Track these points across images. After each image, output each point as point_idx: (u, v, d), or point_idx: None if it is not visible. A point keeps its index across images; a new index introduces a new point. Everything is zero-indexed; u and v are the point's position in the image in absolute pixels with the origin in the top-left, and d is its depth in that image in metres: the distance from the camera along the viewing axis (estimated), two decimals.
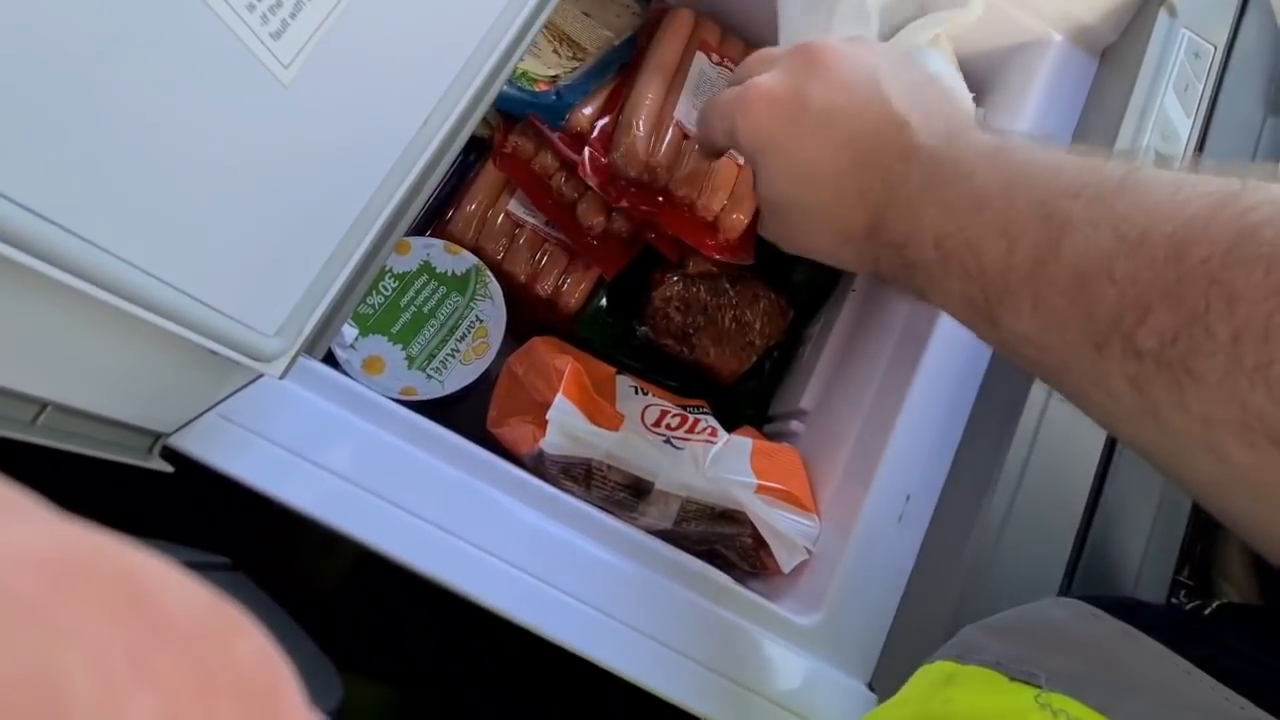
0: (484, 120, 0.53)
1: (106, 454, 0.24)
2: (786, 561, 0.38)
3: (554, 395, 0.35)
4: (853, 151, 0.28)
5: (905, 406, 0.39)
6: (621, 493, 0.40)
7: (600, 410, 0.37)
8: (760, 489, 0.38)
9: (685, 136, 0.48)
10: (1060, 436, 0.33)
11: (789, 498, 0.39)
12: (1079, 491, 0.33)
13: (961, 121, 0.27)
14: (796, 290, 0.55)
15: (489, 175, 0.52)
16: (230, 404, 0.28)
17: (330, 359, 0.40)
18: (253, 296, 0.24)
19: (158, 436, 0.26)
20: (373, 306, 0.42)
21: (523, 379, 0.40)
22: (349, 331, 0.41)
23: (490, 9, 0.32)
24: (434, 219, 0.52)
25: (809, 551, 0.38)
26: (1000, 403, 0.37)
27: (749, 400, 0.55)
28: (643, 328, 0.52)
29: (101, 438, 0.24)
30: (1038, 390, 0.34)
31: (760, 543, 0.40)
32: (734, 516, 0.39)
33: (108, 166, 0.19)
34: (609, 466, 0.38)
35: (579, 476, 0.39)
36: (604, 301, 0.52)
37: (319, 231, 0.25)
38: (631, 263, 0.52)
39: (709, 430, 0.40)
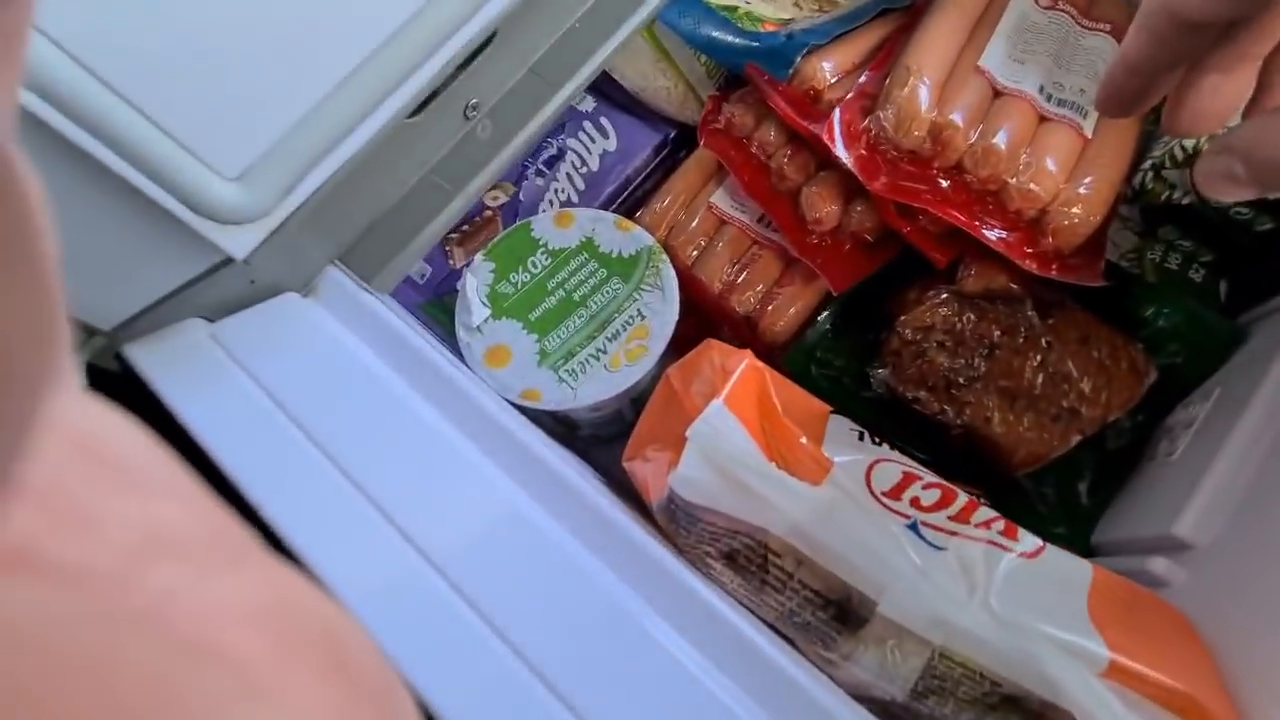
0: (695, 97, 0.44)
1: None
2: None
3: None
4: None
5: None
6: (814, 611, 0.23)
7: (791, 445, 0.21)
8: (1115, 671, 0.18)
9: (996, 94, 0.32)
10: None
11: (1184, 707, 0.18)
12: None
13: None
14: (1158, 339, 0.33)
15: (692, 164, 0.42)
16: (230, 324, 0.19)
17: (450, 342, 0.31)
18: (204, 121, 0.15)
19: (93, 333, 0.18)
20: (515, 285, 0.33)
21: (682, 395, 0.26)
22: (479, 310, 0.32)
23: None
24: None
25: None
26: None
27: (1059, 510, 0.33)
28: (881, 370, 0.35)
29: None
30: None
31: None
32: (1036, 711, 0.19)
33: None
34: (797, 560, 0.22)
35: (740, 560, 0.23)
36: (829, 327, 0.37)
37: (304, 70, 0.16)
38: (882, 279, 0.36)
39: (1000, 526, 0.21)
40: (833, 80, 0.35)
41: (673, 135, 0.44)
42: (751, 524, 0.21)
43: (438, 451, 0.21)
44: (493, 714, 0.19)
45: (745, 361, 0.22)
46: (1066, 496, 0.34)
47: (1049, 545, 0.21)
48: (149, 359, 0.18)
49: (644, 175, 0.44)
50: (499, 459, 0.22)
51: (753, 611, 0.24)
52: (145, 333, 0.18)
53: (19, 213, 0.07)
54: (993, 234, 0.31)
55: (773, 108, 0.36)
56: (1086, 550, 0.33)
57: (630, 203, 0.44)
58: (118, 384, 0.18)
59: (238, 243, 0.16)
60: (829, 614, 0.23)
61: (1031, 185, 0.30)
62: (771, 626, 0.23)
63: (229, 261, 0.17)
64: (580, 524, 0.22)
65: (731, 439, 0.20)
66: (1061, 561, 0.20)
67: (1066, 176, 0.30)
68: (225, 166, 0.15)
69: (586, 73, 0.26)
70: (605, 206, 0.43)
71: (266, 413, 0.18)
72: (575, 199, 0.43)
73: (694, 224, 0.40)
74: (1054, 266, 0.30)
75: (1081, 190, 0.30)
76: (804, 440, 0.21)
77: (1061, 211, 0.30)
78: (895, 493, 0.21)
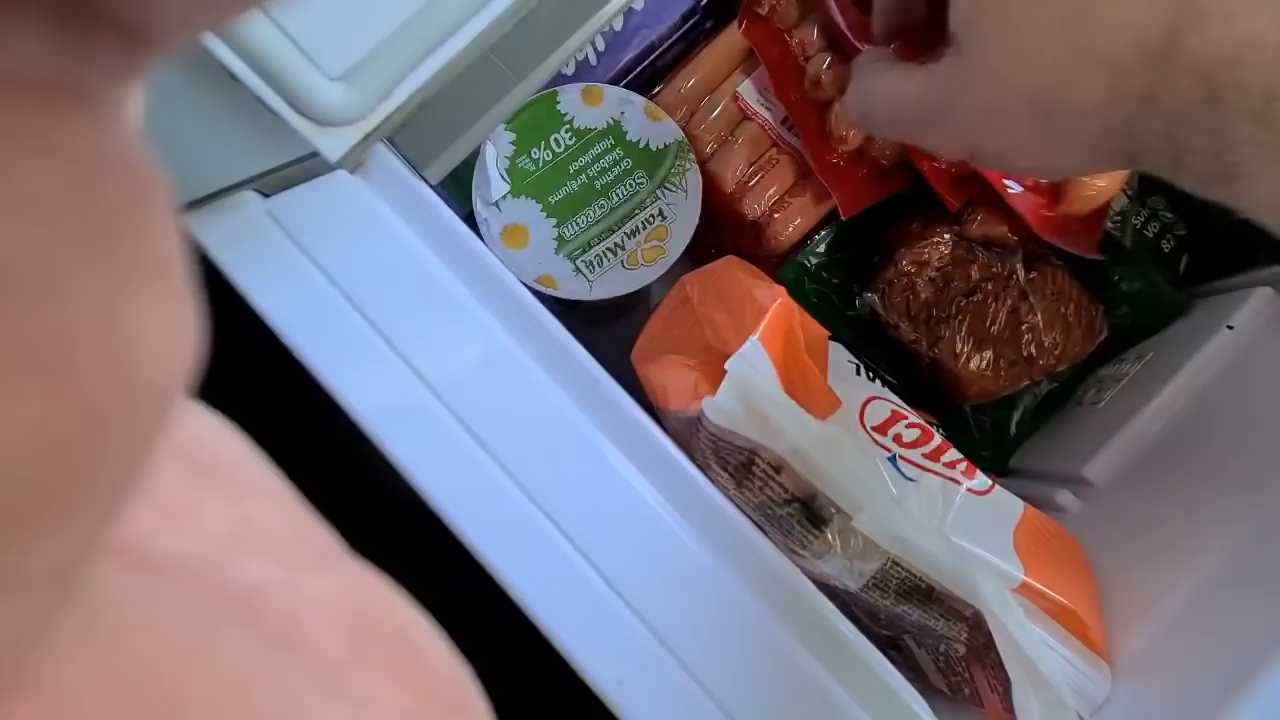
0: None
1: None
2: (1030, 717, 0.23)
3: (742, 339, 0.23)
4: None
5: None
6: (786, 508, 0.27)
7: (807, 381, 0.23)
8: (1024, 589, 0.23)
9: None
10: None
11: (1069, 621, 0.23)
12: None
13: None
14: (1115, 300, 0.37)
15: (724, 45, 0.39)
16: (285, 201, 0.19)
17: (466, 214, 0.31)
18: (311, 16, 0.13)
19: None
20: (536, 162, 0.32)
21: (698, 307, 0.27)
22: (498, 184, 0.31)
23: None
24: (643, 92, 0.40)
25: None
26: None
27: (990, 435, 0.38)
28: (870, 295, 0.37)
29: None
30: None
31: (981, 660, 0.25)
32: (957, 610, 0.24)
33: None
34: (781, 469, 0.25)
35: (733, 468, 0.26)
36: (825, 246, 0.38)
37: None
38: (882, 204, 0.37)
39: (963, 467, 0.25)
40: None
41: (704, 2, 0.41)
42: (754, 442, 0.24)
43: (478, 335, 0.23)
44: (501, 529, 0.22)
45: (779, 300, 0.23)
46: (998, 425, 0.39)
47: (997, 486, 0.25)
48: (211, 235, 0.17)
49: (667, 44, 0.42)
50: (529, 346, 0.24)
51: (733, 502, 0.27)
52: (201, 206, 0.17)
53: (162, 226, 0.06)
54: (1012, 188, 0.32)
55: (826, 3, 0.34)
56: (1004, 472, 0.38)
57: (648, 74, 0.42)
58: None
59: (333, 145, 0.15)
60: (794, 509, 0.27)
61: None
62: (751, 520, 0.27)
63: (313, 155, 0.16)
64: (597, 405, 0.24)
65: (761, 374, 0.22)
66: (1003, 499, 0.25)
67: None
68: (329, 65, 0.14)
69: None
70: (624, 76, 0.40)
71: (322, 290, 0.19)
72: (593, 61, 0.40)
73: (715, 114, 0.39)
74: (1056, 231, 0.32)
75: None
76: (818, 378, 0.23)
77: (1084, 182, 0.31)
78: (882, 428, 0.24)
